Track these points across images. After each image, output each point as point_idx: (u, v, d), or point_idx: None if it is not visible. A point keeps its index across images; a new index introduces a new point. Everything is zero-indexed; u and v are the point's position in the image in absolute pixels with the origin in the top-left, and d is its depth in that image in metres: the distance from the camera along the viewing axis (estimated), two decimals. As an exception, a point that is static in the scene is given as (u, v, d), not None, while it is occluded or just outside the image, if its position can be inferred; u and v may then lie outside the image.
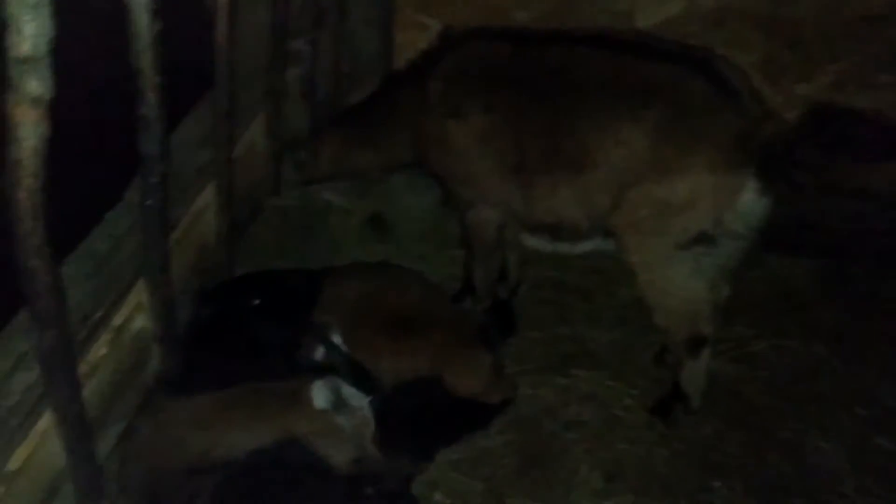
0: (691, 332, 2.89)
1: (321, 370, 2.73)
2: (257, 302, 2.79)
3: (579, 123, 2.75)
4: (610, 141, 2.69)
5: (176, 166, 2.56)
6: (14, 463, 2.01)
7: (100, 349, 2.29)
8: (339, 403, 2.56)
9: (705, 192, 2.59)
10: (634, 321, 3.38)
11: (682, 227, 2.65)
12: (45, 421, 2.10)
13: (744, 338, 3.39)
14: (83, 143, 2.53)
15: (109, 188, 2.70)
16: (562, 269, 3.65)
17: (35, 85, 1.61)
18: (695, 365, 2.98)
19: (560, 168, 2.81)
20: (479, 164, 2.95)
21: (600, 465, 2.94)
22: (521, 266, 3.54)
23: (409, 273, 3.33)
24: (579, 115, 2.76)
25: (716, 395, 3.15)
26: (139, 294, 2.45)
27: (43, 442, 2.09)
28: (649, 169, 2.64)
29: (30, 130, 1.66)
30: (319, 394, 2.55)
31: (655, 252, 2.74)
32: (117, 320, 2.37)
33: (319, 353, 2.86)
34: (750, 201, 2.57)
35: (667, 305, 2.86)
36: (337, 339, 2.89)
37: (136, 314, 2.44)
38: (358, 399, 2.61)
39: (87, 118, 2.46)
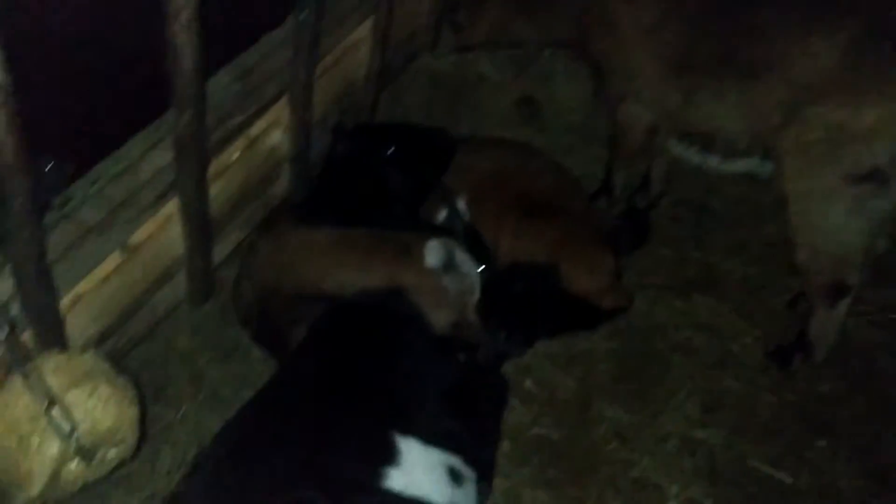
0: (835, 278, 2.66)
1: (440, 231, 2.71)
2: (392, 150, 2.76)
3: (763, 27, 2.51)
4: (795, 51, 2.44)
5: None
6: (137, 237, 2.09)
7: (233, 153, 2.33)
8: (449, 265, 2.54)
9: (891, 123, 2.32)
10: (774, 260, 3.18)
11: (855, 159, 2.40)
12: (172, 206, 2.17)
13: (891, 304, 3.10)
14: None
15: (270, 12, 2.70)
16: (708, 192, 3.44)
17: None
18: (829, 315, 2.76)
19: (731, 73, 2.59)
20: (641, 54, 2.76)
21: (701, 395, 2.81)
22: (666, 179, 3.36)
23: (550, 160, 3.21)
24: (765, 18, 2.51)
25: (844, 354, 2.93)
26: (280, 111, 2.46)
27: (166, 225, 2.17)
28: (833, 88, 2.38)
29: None
30: (433, 252, 2.53)
31: (818, 182, 2.50)
32: (254, 130, 2.39)
33: (442, 214, 2.84)
34: (943, 143, 2.29)
35: (815, 243, 2.63)
36: (461, 205, 2.86)
37: (273, 129, 2.46)
38: (469, 266, 2.58)
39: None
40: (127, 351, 2.29)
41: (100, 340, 2.09)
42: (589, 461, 2.64)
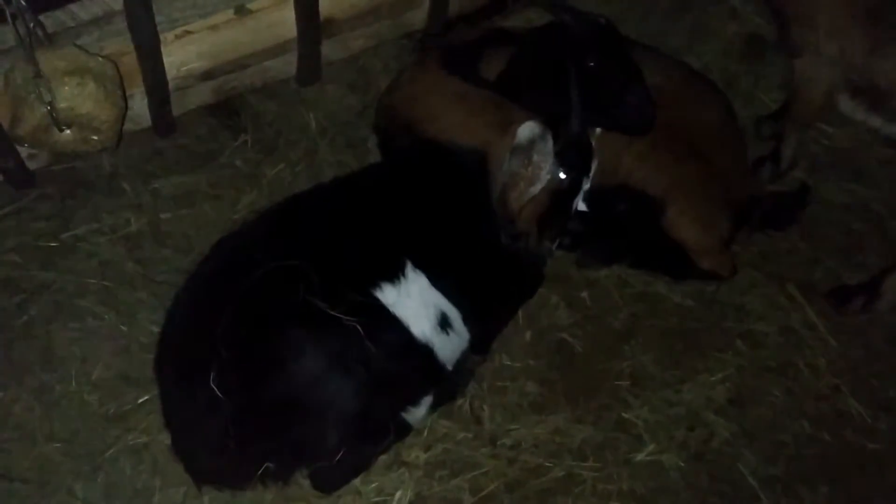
0: None
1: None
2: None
3: None
4: None
5: None
6: (253, 5, 2.43)
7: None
8: (529, 148, 2.58)
9: None
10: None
11: None
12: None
13: None
14: None
15: None
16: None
17: None
18: None
19: None
20: None
21: (737, 388, 2.72)
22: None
23: (724, 105, 2.99)
24: None
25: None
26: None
27: (281, 4, 2.47)
28: None
29: None
30: (525, 130, 2.57)
31: None
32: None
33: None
34: None
35: None
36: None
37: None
38: (543, 161, 2.53)
39: None
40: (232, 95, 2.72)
41: (204, 75, 2.56)
42: (593, 384, 2.71)
